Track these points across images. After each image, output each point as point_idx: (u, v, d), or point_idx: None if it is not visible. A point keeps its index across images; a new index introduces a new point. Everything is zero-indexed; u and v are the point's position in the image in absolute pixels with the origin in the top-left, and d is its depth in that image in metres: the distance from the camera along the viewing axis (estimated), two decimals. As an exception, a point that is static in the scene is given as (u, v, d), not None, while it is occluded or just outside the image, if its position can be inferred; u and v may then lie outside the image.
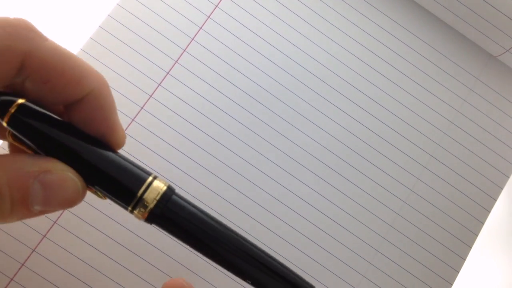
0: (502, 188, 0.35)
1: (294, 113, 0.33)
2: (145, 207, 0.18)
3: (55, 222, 0.30)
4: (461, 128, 0.35)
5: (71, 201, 0.17)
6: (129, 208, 0.17)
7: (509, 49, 0.34)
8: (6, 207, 0.16)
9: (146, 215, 0.17)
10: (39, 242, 0.29)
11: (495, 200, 0.34)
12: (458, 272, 0.33)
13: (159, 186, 0.17)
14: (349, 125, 0.34)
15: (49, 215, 0.29)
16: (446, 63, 0.36)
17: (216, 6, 0.34)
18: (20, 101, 0.17)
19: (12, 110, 0.17)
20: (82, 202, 0.30)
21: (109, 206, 0.30)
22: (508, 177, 0.35)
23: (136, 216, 0.18)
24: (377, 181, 0.33)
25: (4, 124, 0.17)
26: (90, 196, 0.30)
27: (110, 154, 0.18)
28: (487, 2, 0.32)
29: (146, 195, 0.18)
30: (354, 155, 0.33)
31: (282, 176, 0.32)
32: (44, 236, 0.29)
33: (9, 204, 0.16)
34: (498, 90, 0.36)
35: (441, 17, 0.36)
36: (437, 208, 0.34)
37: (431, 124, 0.35)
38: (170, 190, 0.18)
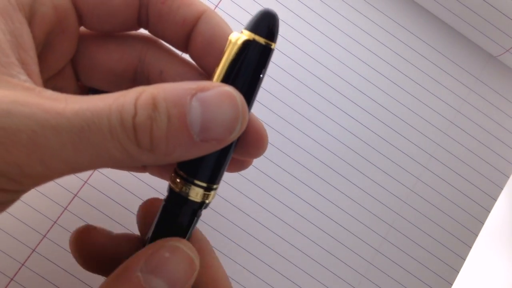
0: (502, 188, 0.35)
1: (293, 112, 0.33)
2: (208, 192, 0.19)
3: (55, 222, 0.30)
4: (461, 128, 0.35)
5: (232, 120, 0.16)
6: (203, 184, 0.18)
7: (509, 49, 0.34)
8: (163, 121, 0.14)
9: (200, 197, 0.18)
10: (39, 242, 0.29)
11: (495, 200, 0.34)
12: (458, 272, 0.33)
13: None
14: (348, 124, 0.34)
15: (49, 214, 0.29)
16: (446, 63, 0.36)
17: (216, 6, 0.34)
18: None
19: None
20: (82, 202, 0.30)
21: (110, 206, 0.30)
22: (508, 177, 0.35)
23: (192, 192, 0.18)
24: (377, 181, 0.33)
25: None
26: (90, 196, 0.30)
27: None
28: (487, 2, 0.32)
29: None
30: (353, 155, 0.33)
31: (280, 175, 0.32)
32: (44, 236, 0.29)
33: (166, 119, 0.14)
34: (498, 90, 0.36)
35: (441, 17, 0.36)
36: (437, 208, 0.34)
37: (431, 124, 0.35)
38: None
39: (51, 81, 0.21)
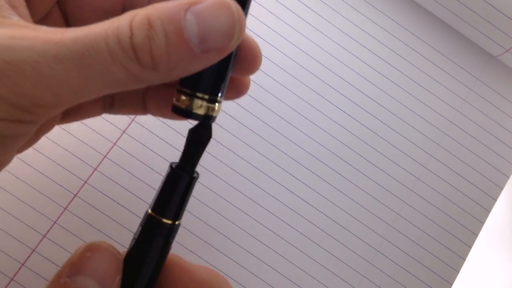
0: (502, 188, 0.35)
1: (294, 113, 0.33)
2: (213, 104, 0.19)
3: (55, 222, 0.30)
4: (461, 128, 0.35)
5: (230, 28, 0.16)
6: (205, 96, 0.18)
7: (509, 49, 0.34)
8: (161, 40, 0.15)
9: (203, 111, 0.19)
10: (39, 242, 0.29)
11: (495, 200, 0.34)
12: (458, 272, 0.33)
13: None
14: (348, 124, 0.34)
15: (49, 214, 0.29)
16: (446, 63, 0.36)
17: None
18: None
19: None
20: (82, 202, 0.30)
21: (110, 206, 0.30)
22: (508, 177, 0.35)
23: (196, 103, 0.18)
24: (377, 181, 0.33)
25: None
26: (90, 196, 0.30)
27: None
28: (487, 2, 0.32)
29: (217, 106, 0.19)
30: (353, 154, 0.33)
31: (280, 175, 0.32)
32: (44, 236, 0.29)
33: (163, 37, 0.15)
34: (498, 90, 0.36)
35: (440, 17, 0.36)
36: (437, 208, 0.34)
37: (431, 124, 0.35)
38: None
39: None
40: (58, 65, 0.14)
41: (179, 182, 0.19)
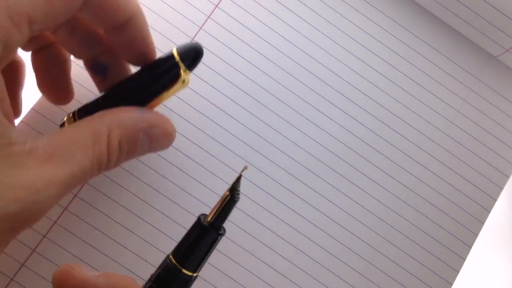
0: (502, 188, 0.35)
1: (294, 113, 0.33)
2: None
3: (55, 222, 0.30)
4: (461, 128, 0.35)
5: (164, 148, 0.24)
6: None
7: (509, 49, 0.34)
8: (123, 159, 0.21)
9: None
10: (39, 242, 0.29)
11: (495, 200, 0.34)
12: (458, 272, 0.33)
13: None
14: (348, 124, 0.34)
15: (49, 215, 0.29)
16: (446, 63, 0.36)
17: (216, 6, 0.34)
18: None
19: None
20: (82, 202, 0.30)
21: (109, 206, 0.30)
22: (508, 177, 0.35)
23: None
24: (377, 181, 0.33)
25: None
26: (90, 196, 0.30)
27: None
28: (487, 2, 0.32)
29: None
30: (353, 154, 0.33)
31: (281, 175, 0.32)
32: (44, 236, 0.29)
33: (126, 156, 0.21)
34: (498, 90, 0.36)
35: (440, 17, 0.36)
36: (437, 208, 0.34)
37: (431, 124, 0.35)
38: None
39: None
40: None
41: (207, 238, 0.20)
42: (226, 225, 0.23)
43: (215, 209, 0.20)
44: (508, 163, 0.35)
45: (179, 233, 0.28)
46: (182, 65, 0.23)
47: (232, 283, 0.31)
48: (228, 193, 0.20)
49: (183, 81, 0.24)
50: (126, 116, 0.21)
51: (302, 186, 0.33)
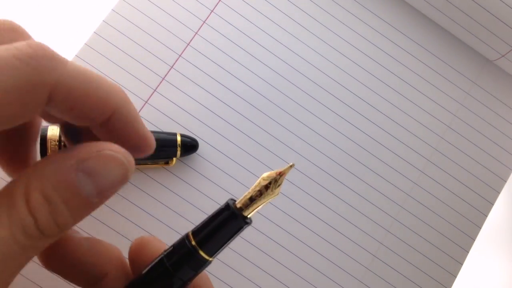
0: (499, 192, 0.35)
1: (290, 118, 0.33)
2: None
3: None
4: (458, 132, 0.35)
5: (123, 177, 0.16)
6: None
7: (505, 54, 0.34)
8: (63, 209, 0.15)
9: None
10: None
11: (492, 204, 0.34)
12: (456, 277, 0.33)
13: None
14: (344, 128, 0.34)
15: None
16: (443, 67, 0.36)
17: (212, 11, 0.34)
18: None
19: None
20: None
21: (110, 203, 0.30)
22: (505, 181, 0.35)
23: None
24: (374, 186, 0.33)
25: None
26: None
27: None
28: (483, 8, 0.32)
29: None
30: (350, 160, 0.33)
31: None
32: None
33: (64, 205, 0.15)
34: (495, 94, 0.36)
35: (437, 22, 0.36)
36: (434, 213, 0.34)
37: (428, 128, 0.35)
38: None
39: None
40: None
41: (233, 224, 0.18)
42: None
43: (247, 198, 0.18)
44: (505, 167, 0.35)
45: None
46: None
47: (235, 274, 0.31)
48: (267, 184, 0.18)
49: None
50: (44, 163, 0.15)
51: (299, 191, 0.32)
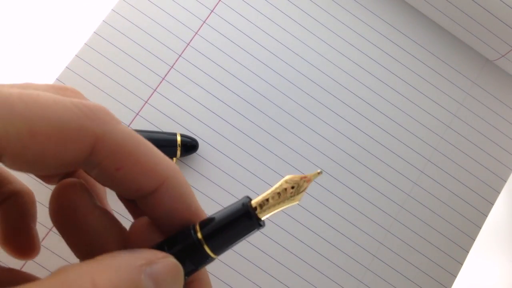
0: (499, 192, 0.35)
1: (290, 118, 0.33)
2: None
3: (50, 229, 0.29)
4: (458, 132, 0.35)
5: (182, 280, 0.16)
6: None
7: (505, 54, 0.34)
8: None
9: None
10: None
11: (492, 204, 0.34)
12: (456, 277, 0.33)
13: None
14: (344, 129, 0.34)
15: (44, 222, 0.29)
16: (443, 67, 0.36)
17: (212, 10, 0.34)
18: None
19: None
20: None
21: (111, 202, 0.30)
22: (505, 181, 0.35)
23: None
24: (374, 186, 0.33)
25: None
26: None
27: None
28: (483, 8, 0.32)
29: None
30: (350, 160, 0.33)
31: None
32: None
33: None
34: (495, 94, 0.36)
35: (437, 22, 0.36)
36: (433, 213, 0.34)
37: (427, 128, 0.35)
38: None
39: None
40: None
41: (245, 224, 0.17)
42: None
43: (265, 199, 0.17)
44: (505, 167, 0.35)
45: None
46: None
47: (241, 278, 0.31)
48: (290, 188, 0.17)
49: None
50: (109, 257, 0.15)
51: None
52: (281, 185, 0.17)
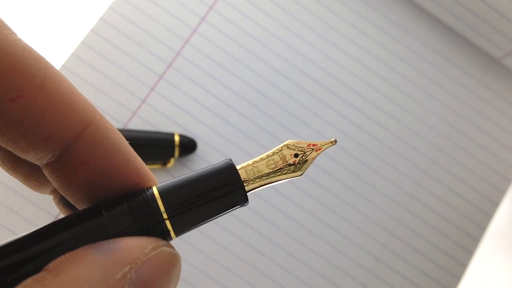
0: (504, 193, 0.34)
1: (291, 117, 0.33)
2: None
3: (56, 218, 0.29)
4: (462, 132, 0.34)
5: (179, 273, 0.12)
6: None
7: (510, 52, 0.33)
8: None
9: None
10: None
11: (497, 205, 0.34)
12: (460, 279, 0.33)
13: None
14: (347, 128, 0.33)
15: (51, 210, 0.29)
16: (447, 66, 0.35)
17: (211, 8, 0.33)
18: None
19: None
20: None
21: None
22: (510, 182, 0.34)
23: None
24: (377, 187, 0.33)
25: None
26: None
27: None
28: (488, 6, 0.31)
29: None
30: (352, 160, 0.33)
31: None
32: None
33: None
34: (500, 93, 0.35)
35: (442, 20, 0.35)
36: (438, 215, 0.33)
37: (431, 128, 0.34)
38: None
39: None
40: None
41: (229, 197, 0.13)
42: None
43: (257, 167, 0.13)
44: (510, 168, 0.34)
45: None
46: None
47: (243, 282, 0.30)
48: (291, 156, 0.13)
49: None
50: (75, 267, 0.11)
51: (299, 192, 0.32)
52: (280, 151, 0.13)
